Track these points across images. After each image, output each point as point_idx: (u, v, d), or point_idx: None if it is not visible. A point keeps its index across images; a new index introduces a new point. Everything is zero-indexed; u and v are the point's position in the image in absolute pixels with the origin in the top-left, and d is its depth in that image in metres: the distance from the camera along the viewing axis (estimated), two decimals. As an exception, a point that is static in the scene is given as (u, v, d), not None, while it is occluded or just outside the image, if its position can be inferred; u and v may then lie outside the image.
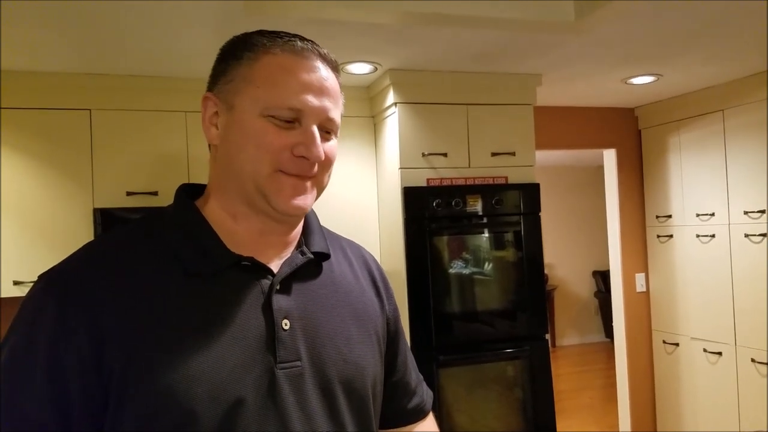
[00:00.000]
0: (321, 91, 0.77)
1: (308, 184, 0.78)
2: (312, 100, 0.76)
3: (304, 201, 0.78)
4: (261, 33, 0.79)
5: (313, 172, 0.77)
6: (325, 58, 0.80)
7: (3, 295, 2.23)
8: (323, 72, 0.78)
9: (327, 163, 0.79)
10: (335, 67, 0.81)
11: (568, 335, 7.22)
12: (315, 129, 0.76)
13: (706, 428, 3.21)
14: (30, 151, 2.31)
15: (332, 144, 0.80)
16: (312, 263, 0.83)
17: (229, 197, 0.79)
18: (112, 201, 2.37)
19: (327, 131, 0.79)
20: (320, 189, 0.82)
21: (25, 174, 2.31)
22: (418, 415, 1.00)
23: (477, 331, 2.62)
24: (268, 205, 0.76)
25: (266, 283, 0.77)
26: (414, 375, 1.01)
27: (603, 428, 4.32)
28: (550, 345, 2.74)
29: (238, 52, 0.78)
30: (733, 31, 2.20)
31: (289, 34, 0.79)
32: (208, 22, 1.89)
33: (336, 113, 0.79)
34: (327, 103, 0.77)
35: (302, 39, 0.79)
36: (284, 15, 1.83)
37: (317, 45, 0.80)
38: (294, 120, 0.75)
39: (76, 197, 2.35)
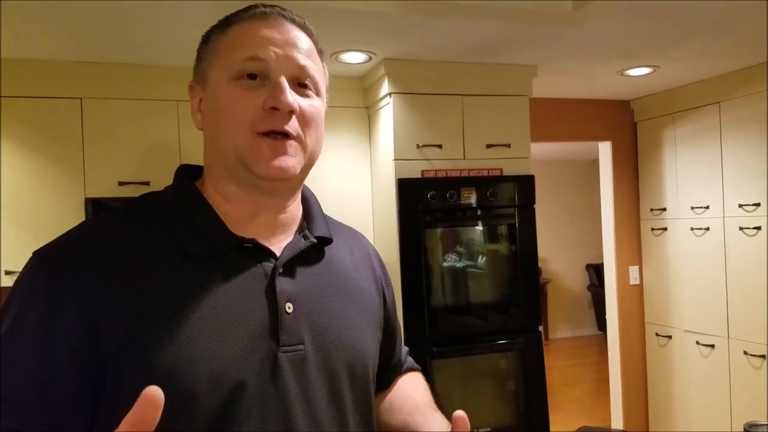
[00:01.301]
0: (286, 42, 0.76)
1: (289, 144, 0.75)
2: (275, 49, 0.74)
3: (286, 162, 0.74)
4: (232, 12, 0.80)
5: (287, 125, 0.74)
6: (294, 21, 0.79)
7: (-8, 286, 2.22)
8: (289, 28, 0.78)
9: (308, 121, 0.76)
10: (306, 30, 0.80)
11: (561, 328, 7.26)
12: (283, 79, 0.74)
13: (698, 420, 3.23)
14: (20, 140, 2.28)
15: (313, 102, 0.78)
16: (314, 248, 0.82)
17: (219, 178, 0.78)
18: (103, 191, 2.35)
19: (302, 86, 0.77)
20: (308, 152, 0.78)
21: (15, 163, 2.28)
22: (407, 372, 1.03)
23: (470, 323, 2.62)
24: (249, 173, 0.74)
25: (269, 266, 0.76)
26: (403, 351, 1.05)
27: (595, 421, 4.34)
28: (543, 338, 2.74)
29: (209, 34, 0.80)
30: (730, 23, 2.19)
31: (260, 3, 0.79)
32: (202, 9, 1.86)
33: (309, 64, 0.77)
34: (294, 53, 0.75)
35: (270, 5, 0.79)
36: (280, 3, 1.81)
37: (288, 10, 0.80)
38: (261, 75, 0.74)
39: (67, 187, 2.32)
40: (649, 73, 2.90)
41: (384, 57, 2.47)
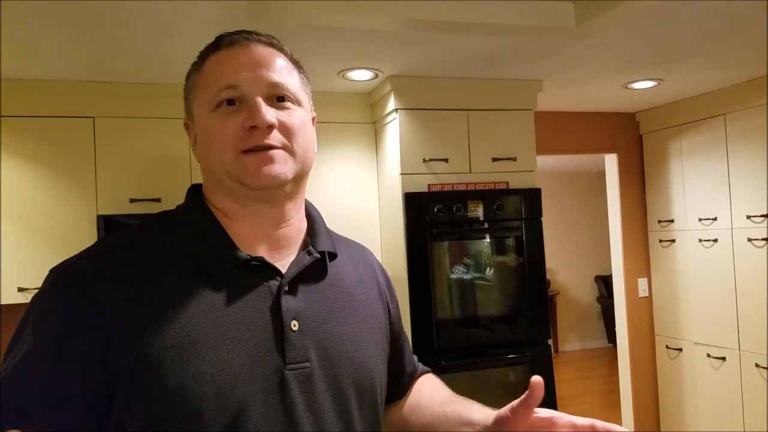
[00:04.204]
0: (255, 64, 0.78)
1: (274, 153, 0.77)
2: (246, 74, 0.77)
3: (275, 169, 0.76)
4: (204, 48, 0.83)
5: (269, 140, 0.76)
6: (260, 41, 0.82)
7: (7, 302, 2.24)
8: (257, 49, 0.80)
9: (291, 131, 0.78)
10: (275, 46, 0.83)
11: (570, 341, 7.20)
12: (258, 98, 0.77)
13: (709, 434, 3.20)
14: (34, 159, 2.33)
15: (293, 112, 0.80)
16: (318, 263, 0.83)
17: (217, 197, 0.81)
18: (115, 208, 2.39)
19: (281, 100, 0.79)
20: (299, 158, 0.80)
21: (29, 181, 2.32)
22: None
23: (479, 336, 2.62)
24: (243, 187, 0.77)
25: (274, 284, 0.77)
26: (413, 362, 1.05)
27: (606, 434, 4.30)
28: (552, 350, 2.73)
29: (188, 74, 0.84)
30: (734, 35, 2.21)
31: (227, 33, 0.82)
32: (211, 28, 1.90)
33: (282, 79, 0.79)
34: (265, 72, 0.78)
35: (237, 33, 0.82)
36: (286, 22, 1.85)
37: (255, 32, 0.82)
38: (237, 100, 0.77)
39: (79, 204, 2.36)
40: (653, 86, 2.92)
41: (390, 74, 2.51)
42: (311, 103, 0.86)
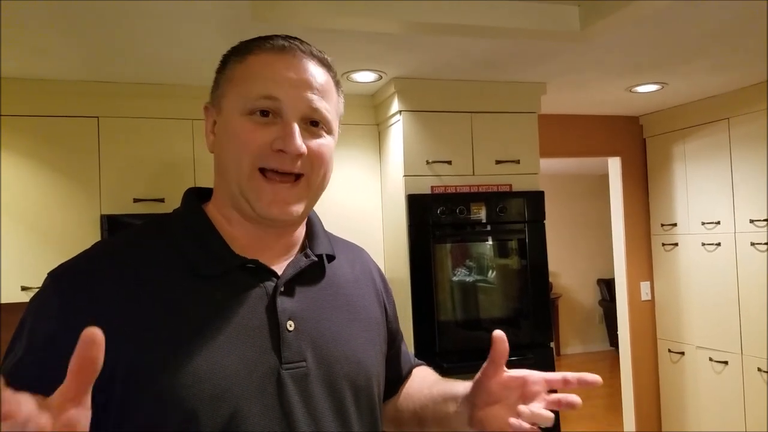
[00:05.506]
0: (301, 82, 0.75)
1: (292, 186, 0.76)
2: (290, 90, 0.74)
3: (289, 208, 0.76)
4: (251, 39, 0.80)
5: (294, 167, 0.75)
6: (312, 55, 0.79)
7: (10, 300, 2.25)
8: (307, 66, 0.77)
9: (317, 162, 0.77)
10: (325, 64, 0.80)
11: (572, 344, 7.19)
12: (294, 124, 0.74)
13: (711, 438, 3.19)
14: (38, 158, 2.34)
15: (324, 141, 0.78)
16: (316, 265, 0.83)
17: (223, 202, 0.80)
18: (119, 207, 2.39)
19: (314, 125, 0.77)
20: (314, 189, 0.79)
21: (33, 180, 2.33)
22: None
23: (481, 338, 2.62)
24: (251, 209, 0.76)
25: (270, 285, 0.77)
26: (409, 360, 1.04)
27: (608, 438, 4.29)
28: (554, 353, 2.72)
29: (227, 59, 0.80)
30: (738, 39, 2.21)
31: (280, 36, 0.79)
32: (216, 29, 1.91)
33: (323, 105, 0.77)
34: (309, 94, 0.75)
35: (290, 38, 0.79)
36: (290, 23, 1.85)
37: (307, 44, 0.80)
38: (273, 113, 0.74)
39: (83, 204, 2.37)
40: (657, 90, 2.92)
41: (394, 76, 2.51)
42: (339, 126, 0.84)
